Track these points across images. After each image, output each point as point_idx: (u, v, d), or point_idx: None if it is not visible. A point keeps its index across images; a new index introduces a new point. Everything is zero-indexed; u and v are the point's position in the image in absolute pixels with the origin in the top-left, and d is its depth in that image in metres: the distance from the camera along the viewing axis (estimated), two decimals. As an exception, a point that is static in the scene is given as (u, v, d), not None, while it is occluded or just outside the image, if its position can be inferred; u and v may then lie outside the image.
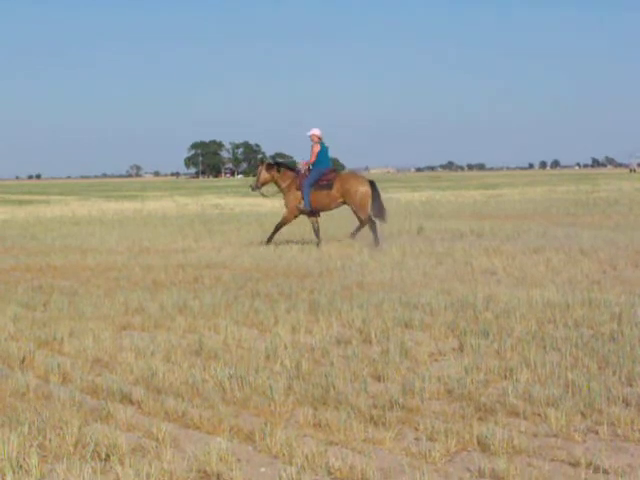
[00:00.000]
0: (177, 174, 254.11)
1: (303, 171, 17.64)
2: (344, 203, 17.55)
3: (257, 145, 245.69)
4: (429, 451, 5.04)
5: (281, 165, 18.33)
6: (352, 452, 5.12)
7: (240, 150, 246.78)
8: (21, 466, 4.88)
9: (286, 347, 7.83)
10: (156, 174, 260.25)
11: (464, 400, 6.08)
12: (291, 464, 4.98)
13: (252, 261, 15.08)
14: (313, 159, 17.49)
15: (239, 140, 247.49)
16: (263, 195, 18.64)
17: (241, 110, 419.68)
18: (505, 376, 6.66)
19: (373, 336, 8.14)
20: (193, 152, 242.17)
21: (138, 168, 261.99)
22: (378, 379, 6.74)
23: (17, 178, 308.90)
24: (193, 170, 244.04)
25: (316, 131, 17.52)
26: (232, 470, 4.87)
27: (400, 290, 10.83)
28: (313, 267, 13.84)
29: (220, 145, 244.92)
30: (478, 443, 5.20)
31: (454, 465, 4.95)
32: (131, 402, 6.26)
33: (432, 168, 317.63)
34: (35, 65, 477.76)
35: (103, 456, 5.11)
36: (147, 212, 36.71)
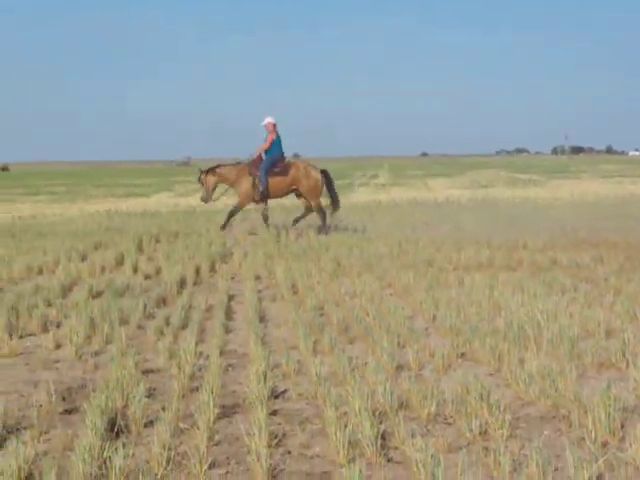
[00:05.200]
0: None
1: (254, 157, 20.15)
2: (295, 190, 20.29)
3: None
4: None
5: (218, 165, 20.80)
6: None
7: None
8: None
9: None
10: None
11: None
12: None
13: None
14: (267, 146, 20.00)
15: None
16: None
17: None
18: None
19: None
20: None
21: None
22: None
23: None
24: None
25: (271, 119, 19.96)
26: None
27: None
28: None
29: None
30: None
31: None
32: None
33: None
34: None
35: None
36: None
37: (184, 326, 9.74)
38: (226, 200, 25.07)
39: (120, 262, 15.42)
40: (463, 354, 8.12)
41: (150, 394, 7.00)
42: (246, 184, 20.22)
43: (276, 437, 5.93)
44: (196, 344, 8.41)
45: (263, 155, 20.23)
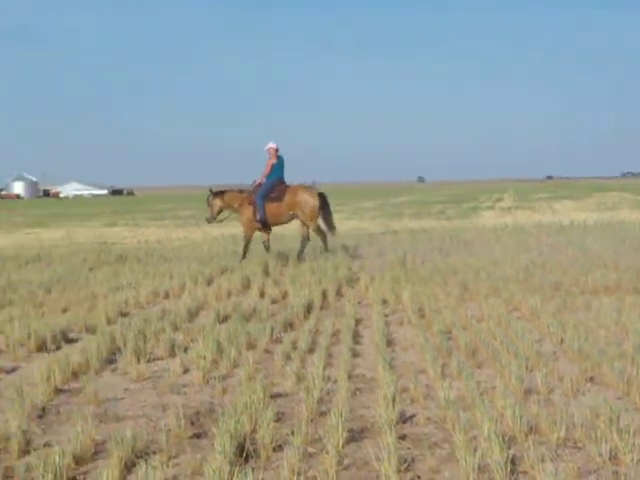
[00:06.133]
0: None
1: (256, 184, 20.45)
2: (294, 216, 20.34)
3: None
4: None
5: (226, 190, 21.31)
6: None
7: None
8: None
9: None
10: None
11: None
12: None
13: None
14: (267, 171, 20.24)
15: None
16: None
17: None
18: None
19: None
20: None
21: None
22: None
23: None
24: None
25: (273, 145, 20.23)
26: None
27: None
28: None
29: None
30: None
31: None
32: None
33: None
34: None
35: None
36: None
37: (311, 350, 9.88)
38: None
39: (246, 286, 15.69)
40: (592, 378, 8.09)
41: (278, 418, 7.14)
42: (247, 213, 20.56)
43: (405, 462, 6.00)
44: (324, 368, 8.53)
45: (264, 181, 20.41)
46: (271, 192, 20.23)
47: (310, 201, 20.17)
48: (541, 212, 43.81)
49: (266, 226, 20.62)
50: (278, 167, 20.34)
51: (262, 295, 14.58)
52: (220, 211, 21.20)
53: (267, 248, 20.71)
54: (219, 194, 21.21)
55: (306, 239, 20.41)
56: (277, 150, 20.29)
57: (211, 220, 21.38)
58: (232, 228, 35.85)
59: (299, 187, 20.62)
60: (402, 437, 6.58)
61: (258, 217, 20.28)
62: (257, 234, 20.74)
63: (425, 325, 11.19)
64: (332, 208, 21.16)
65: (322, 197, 20.43)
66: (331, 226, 20.76)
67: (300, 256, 19.90)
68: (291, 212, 20.30)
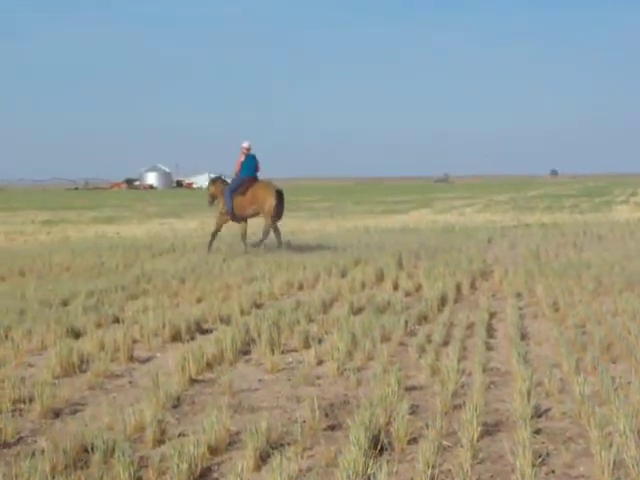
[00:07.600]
0: None
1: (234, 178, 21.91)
2: (257, 210, 21.43)
3: None
4: None
5: (218, 179, 22.87)
6: None
7: None
8: None
9: None
10: None
11: None
12: None
13: None
14: (237, 169, 21.82)
15: None
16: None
17: None
18: None
19: None
20: None
21: None
22: None
23: None
24: None
25: (245, 144, 21.82)
26: None
27: None
28: None
29: None
30: None
31: None
32: None
33: None
34: None
35: None
36: None
37: (446, 343, 9.96)
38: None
39: (380, 278, 15.77)
40: None
41: (413, 411, 7.24)
42: (221, 204, 21.98)
43: (540, 456, 6.05)
44: (458, 361, 8.59)
45: (237, 177, 21.88)
46: (240, 187, 21.53)
47: (268, 199, 21.21)
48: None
49: (235, 219, 21.86)
50: (247, 165, 21.74)
51: (396, 287, 14.67)
52: (214, 197, 22.52)
53: (243, 237, 21.77)
54: (214, 181, 22.89)
55: (267, 233, 21.33)
56: (248, 149, 21.80)
57: (210, 204, 23.01)
58: (365, 220, 36.08)
59: (260, 183, 21.80)
60: (537, 431, 6.62)
61: (225, 209, 21.71)
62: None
63: (559, 319, 11.15)
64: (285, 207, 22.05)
65: (279, 194, 21.39)
66: (277, 216, 21.41)
67: (258, 245, 21.28)
68: (254, 206, 21.45)
